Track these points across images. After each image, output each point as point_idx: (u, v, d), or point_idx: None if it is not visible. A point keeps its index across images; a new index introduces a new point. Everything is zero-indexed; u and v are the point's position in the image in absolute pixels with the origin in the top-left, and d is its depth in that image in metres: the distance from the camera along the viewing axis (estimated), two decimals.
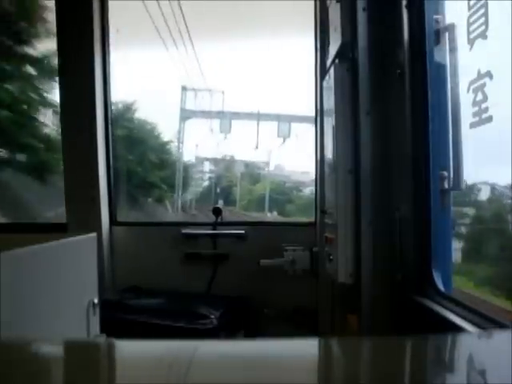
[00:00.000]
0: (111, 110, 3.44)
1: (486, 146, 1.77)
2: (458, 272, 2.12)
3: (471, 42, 1.72)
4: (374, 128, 2.13)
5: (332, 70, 2.32)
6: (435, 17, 1.93)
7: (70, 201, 3.29)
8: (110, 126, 3.38)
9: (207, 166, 7.45)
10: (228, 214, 4.75)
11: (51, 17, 3.47)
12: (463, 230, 2.32)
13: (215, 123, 5.37)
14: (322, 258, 2.82)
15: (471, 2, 1.71)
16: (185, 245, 3.38)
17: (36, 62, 4.44)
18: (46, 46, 4.11)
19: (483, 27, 1.63)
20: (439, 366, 0.75)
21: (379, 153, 2.13)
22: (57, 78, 3.42)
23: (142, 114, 5.30)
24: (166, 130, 5.95)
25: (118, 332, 1.92)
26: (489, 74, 1.63)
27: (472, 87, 1.71)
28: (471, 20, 1.70)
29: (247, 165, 6.92)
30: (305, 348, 0.80)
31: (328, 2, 2.57)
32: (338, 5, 2.28)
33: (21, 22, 4.27)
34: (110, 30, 3.37)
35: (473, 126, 1.71)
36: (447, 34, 1.85)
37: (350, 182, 2.20)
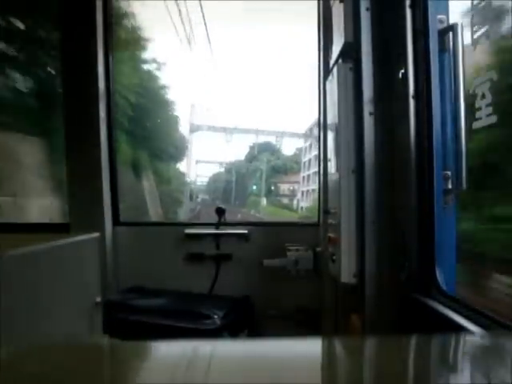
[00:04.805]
0: (114, 109, 3.44)
1: None
2: None
3: (474, 42, 1.72)
4: (377, 128, 2.13)
5: (335, 70, 2.32)
6: (439, 17, 1.92)
7: (73, 200, 3.29)
8: (113, 126, 3.38)
9: None
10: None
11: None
12: None
13: None
14: (325, 258, 2.82)
15: (475, 2, 1.70)
16: (188, 245, 3.38)
17: None
18: None
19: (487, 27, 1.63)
20: (442, 365, 0.74)
21: (382, 152, 2.13)
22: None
23: None
24: None
25: (120, 332, 1.92)
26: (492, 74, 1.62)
27: (475, 87, 1.71)
28: (475, 20, 1.70)
29: None
30: (308, 348, 0.80)
31: (331, 1, 2.57)
32: (341, 4, 2.28)
33: None
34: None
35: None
36: (451, 34, 1.85)
37: (354, 181, 2.19)
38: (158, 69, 6.54)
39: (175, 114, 7.37)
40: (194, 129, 7.20)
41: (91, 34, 3.18)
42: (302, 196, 5.64)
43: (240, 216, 5.65)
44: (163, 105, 6.91)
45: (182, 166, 7.64)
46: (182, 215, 7.10)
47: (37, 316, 1.60)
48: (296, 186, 5.84)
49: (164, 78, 6.60)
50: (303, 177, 5.73)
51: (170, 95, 6.88)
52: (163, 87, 6.88)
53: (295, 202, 5.67)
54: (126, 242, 3.42)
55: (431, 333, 1.57)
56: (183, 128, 7.48)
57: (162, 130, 7.18)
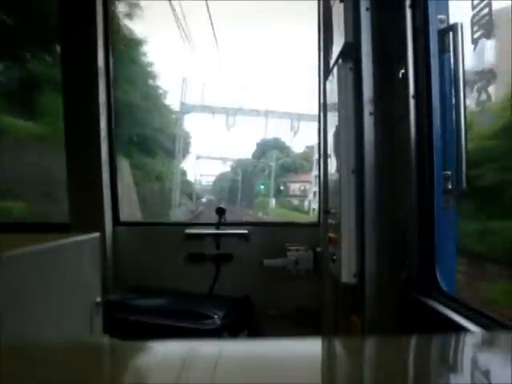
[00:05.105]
0: (114, 107, 3.43)
1: None
2: None
3: (475, 41, 1.72)
4: (377, 128, 2.13)
5: (335, 70, 2.32)
6: (439, 17, 1.92)
7: (73, 200, 3.29)
8: (113, 125, 3.38)
9: None
10: None
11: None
12: None
13: None
14: (325, 258, 2.82)
15: (475, 2, 1.71)
16: (188, 245, 3.38)
17: None
18: None
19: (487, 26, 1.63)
20: (442, 365, 0.74)
21: (382, 152, 2.13)
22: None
23: None
24: None
25: (120, 332, 1.92)
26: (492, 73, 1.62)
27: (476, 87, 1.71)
28: (475, 20, 1.70)
29: None
30: (308, 348, 0.80)
31: (331, 1, 2.57)
32: (341, 4, 2.28)
33: None
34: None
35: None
36: (451, 34, 1.85)
37: (354, 181, 2.19)
38: (130, 17, 4.44)
39: (161, 87, 5.58)
40: (185, 109, 5.85)
41: (91, 24, 3.17)
42: (313, 197, 4.94)
43: (245, 219, 5.25)
44: (141, 70, 5.07)
45: (172, 157, 6.18)
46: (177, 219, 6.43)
47: (37, 316, 1.60)
48: (307, 186, 5.19)
49: (140, 30, 4.53)
50: (315, 176, 5.00)
51: (151, 59, 4.99)
52: (140, 41, 4.79)
53: (306, 203, 5.01)
54: (126, 242, 3.42)
55: (431, 333, 1.57)
56: (172, 107, 5.96)
57: (141, 107, 5.38)
